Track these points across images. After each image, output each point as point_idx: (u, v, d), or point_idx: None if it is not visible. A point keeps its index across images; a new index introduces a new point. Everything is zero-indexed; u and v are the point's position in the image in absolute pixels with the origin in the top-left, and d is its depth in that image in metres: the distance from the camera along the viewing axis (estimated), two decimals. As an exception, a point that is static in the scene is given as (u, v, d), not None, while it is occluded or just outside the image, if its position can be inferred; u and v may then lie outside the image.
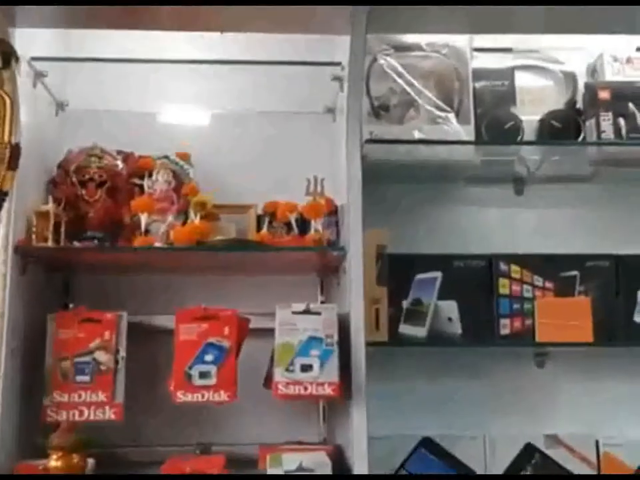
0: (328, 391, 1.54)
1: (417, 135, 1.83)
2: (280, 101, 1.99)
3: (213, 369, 1.56)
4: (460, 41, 1.90)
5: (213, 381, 1.56)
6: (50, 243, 1.67)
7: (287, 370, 1.54)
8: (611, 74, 1.93)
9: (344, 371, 1.58)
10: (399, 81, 1.88)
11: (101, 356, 1.63)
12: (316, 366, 1.55)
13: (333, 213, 1.81)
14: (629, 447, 1.73)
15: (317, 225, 1.73)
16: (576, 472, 1.70)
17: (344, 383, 1.57)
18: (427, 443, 1.72)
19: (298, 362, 1.55)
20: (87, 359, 1.62)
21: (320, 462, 1.53)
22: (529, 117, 1.89)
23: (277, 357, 1.56)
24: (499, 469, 1.70)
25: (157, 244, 1.69)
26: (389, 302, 1.78)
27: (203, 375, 1.56)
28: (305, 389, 1.53)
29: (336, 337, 1.58)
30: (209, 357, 1.57)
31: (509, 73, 1.95)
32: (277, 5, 1.64)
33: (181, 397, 1.56)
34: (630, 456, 1.73)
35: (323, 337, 1.57)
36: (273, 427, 1.78)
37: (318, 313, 1.60)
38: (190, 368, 1.56)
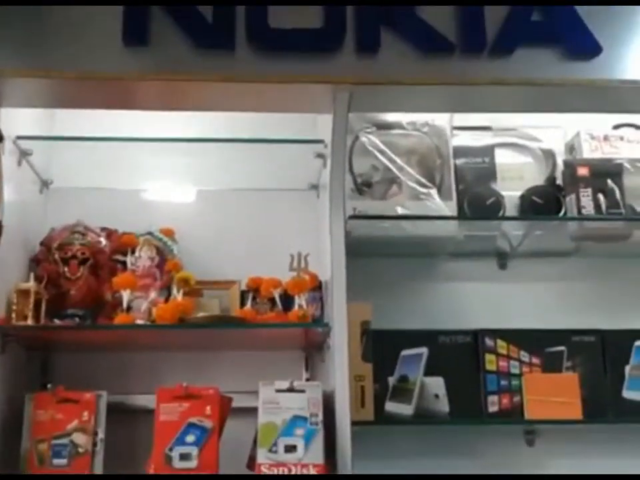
0: (313, 472, 1.49)
1: (399, 210, 1.85)
2: (265, 178, 2.01)
3: (194, 451, 1.52)
4: (440, 119, 1.95)
5: (194, 463, 1.51)
6: (30, 321, 1.64)
7: (270, 451, 1.50)
8: (589, 151, 1.97)
9: (329, 450, 1.55)
10: (381, 158, 1.91)
11: (79, 438, 1.58)
12: (300, 446, 1.51)
13: (317, 289, 1.81)
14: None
15: (300, 301, 1.72)
16: None
17: (329, 464, 1.53)
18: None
19: (281, 442, 1.51)
20: (64, 441, 1.58)
21: None
22: (510, 192, 1.93)
23: (260, 437, 1.52)
24: None
25: (139, 321, 1.67)
26: (375, 379, 1.75)
27: (184, 456, 1.51)
28: (289, 470, 1.49)
29: (321, 416, 1.54)
30: (190, 438, 1.53)
31: (489, 151, 2.00)
32: (261, 83, 1.69)
33: (160, 480, 1.51)
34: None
35: (307, 415, 1.54)
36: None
37: (302, 391, 1.57)
38: (170, 449, 1.52)
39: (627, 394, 1.79)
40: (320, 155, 1.86)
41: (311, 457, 1.50)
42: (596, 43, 1.73)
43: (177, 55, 1.66)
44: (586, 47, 1.73)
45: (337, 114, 1.72)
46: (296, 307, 1.72)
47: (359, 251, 1.86)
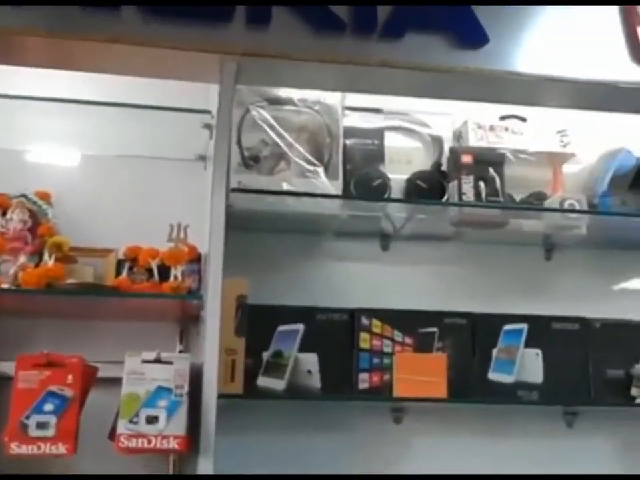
0: (173, 444, 1.48)
1: (285, 187, 1.85)
2: (152, 146, 1.96)
3: (52, 419, 1.47)
4: (332, 98, 1.94)
5: (51, 432, 1.46)
6: None
7: (131, 422, 1.48)
8: (475, 140, 2.02)
9: (195, 423, 1.54)
10: (271, 133, 1.90)
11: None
12: (162, 418, 1.48)
13: (196, 261, 1.80)
14: (477, 505, 1.75)
15: (176, 272, 1.70)
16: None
17: (193, 437, 1.52)
18: (279, 501, 1.68)
19: (143, 413, 1.48)
20: None
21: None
22: (397, 175, 1.95)
23: (121, 408, 1.49)
24: (350, 527, 1.69)
25: (4, 285, 1.61)
26: (249, 353, 1.75)
27: (41, 425, 1.46)
28: (149, 442, 1.47)
29: (186, 388, 1.53)
30: (48, 407, 1.48)
31: (378, 133, 2.02)
32: (147, 47, 1.65)
33: (15, 448, 1.45)
34: (478, 513, 1.75)
35: (172, 387, 1.52)
36: (120, 482, 1.71)
37: (169, 363, 1.55)
38: (27, 418, 1.47)
39: (492, 376, 1.85)
40: (207, 126, 1.83)
41: (173, 429, 1.48)
42: (484, 33, 1.76)
43: (63, 13, 1.60)
44: (474, 36, 1.76)
45: (223, 85, 1.69)
46: (171, 278, 1.70)
47: (242, 225, 1.85)
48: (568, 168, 2.07)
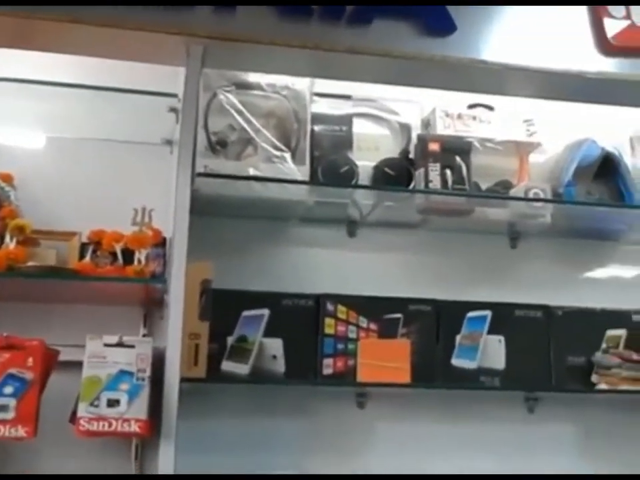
0: (134, 428, 1.47)
1: (252, 172, 1.84)
2: (118, 129, 1.94)
3: (11, 402, 1.46)
4: (300, 84, 1.94)
5: (10, 415, 1.45)
6: None
7: (92, 405, 1.47)
8: (442, 128, 2.03)
9: (157, 407, 1.54)
10: (238, 118, 1.89)
11: None
12: (124, 401, 1.48)
13: (161, 245, 1.78)
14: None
15: (140, 256, 1.69)
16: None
17: (156, 420, 1.52)
18: (241, 484, 1.69)
19: (104, 397, 1.48)
20: None
21: (121, 502, 1.47)
22: (365, 162, 1.95)
23: (82, 391, 1.48)
24: (311, 509, 1.70)
25: (-37, 267, 1.59)
26: (213, 338, 1.75)
27: (0, 408, 1.46)
28: (110, 425, 1.46)
29: (148, 372, 1.52)
30: (8, 389, 1.47)
31: (347, 119, 2.02)
32: (112, 29, 1.63)
33: (-26, 431, 1.45)
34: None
35: (134, 371, 1.52)
36: (81, 465, 1.70)
37: (132, 346, 1.54)
38: (-14, 400, 1.46)
39: (456, 361, 1.87)
40: (173, 109, 1.83)
41: (134, 412, 1.48)
42: (451, 21, 1.78)
43: (26, -9, 1.58)
44: (442, 24, 1.78)
45: (189, 68, 1.69)
46: (135, 262, 1.69)
47: (208, 210, 1.85)
48: (534, 158, 2.09)
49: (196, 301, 1.70)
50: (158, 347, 1.61)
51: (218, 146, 1.87)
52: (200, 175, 1.72)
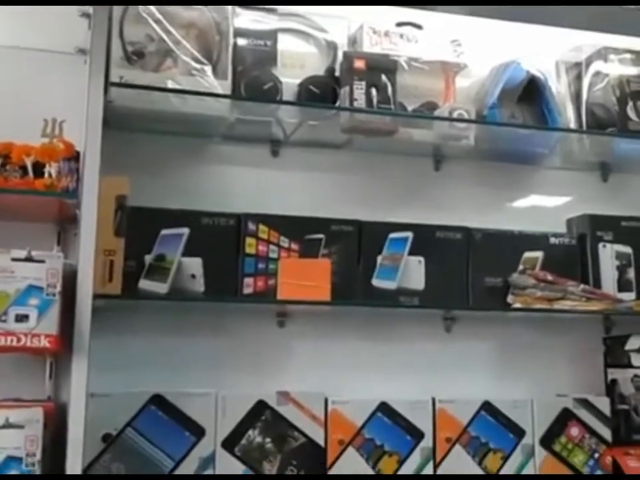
0: (44, 343, 1.43)
1: (170, 84, 1.76)
2: (27, 36, 1.82)
3: None
4: (222, -7, 1.86)
5: None
6: None
7: (0, 320, 1.43)
8: (369, 45, 1.97)
9: (69, 323, 1.50)
10: (157, 28, 1.80)
11: None
12: (33, 316, 1.43)
13: (74, 159, 1.71)
14: (354, 405, 1.79)
15: (50, 169, 1.62)
16: (304, 428, 1.74)
17: (65, 335, 1.48)
18: (157, 400, 1.67)
19: (13, 312, 1.42)
20: None
21: (30, 418, 1.44)
22: (289, 80, 1.89)
23: (-11, 307, 1.44)
24: (229, 425, 1.70)
25: None
26: (131, 256, 1.71)
27: None
28: (19, 340, 1.42)
29: (59, 287, 1.47)
30: None
31: (272, 35, 1.93)
32: None
33: None
34: (354, 412, 1.79)
35: (44, 286, 1.46)
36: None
37: (42, 261, 1.49)
38: None
39: (376, 282, 1.88)
40: (85, 15, 1.72)
41: (44, 328, 1.43)
42: None
43: None
44: None
45: (100, -31, 1.60)
46: (46, 175, 1.62)
47: (125, 125, 1.79)
48: (461, 81, 2.06)
49: (111, 216, 1.65)
50: (72, 264, 1.56)
51: (134, 56, 1.77)
52: (113, 84, 1.65)
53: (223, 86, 1.81)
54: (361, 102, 1.87)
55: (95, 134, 1.56)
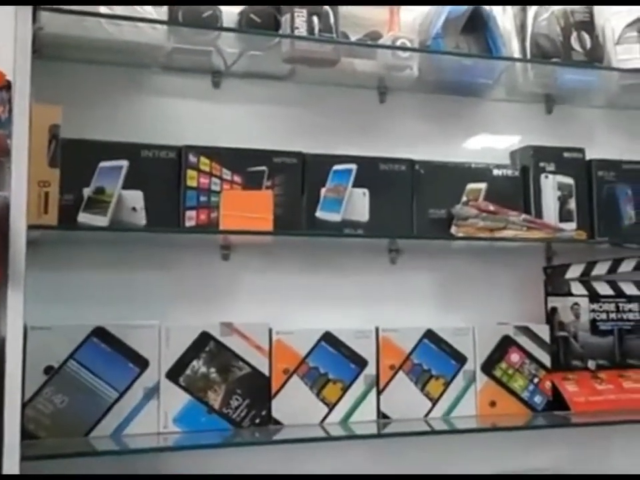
0: (-23, 271, 1.41)
1: (103, 10, 1.71)
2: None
3: None
4: None
5: None
6: None
7: None
8: (312, -28, 1.94)
9: (3, 255, 1.47)
10: (90, -48, 1.74)
11: None
12: (-34, 250, 1.41)
13: (5, 89, 1.65)
14: (298, 335, 1.80)
15: (-21, 98, 1.57)
16: (249, 358, 1.75)
17: (3, 271, 1.45)
18: (100, 333, 1.65)
19: (-58, 245, 1.41)
20: None
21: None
22: (229, 8, 1.85)
23: None
24: (173, 356, 1.71)
25: None
26: (68, 190, 1.67)
27: None
28: (-50, 272, 1.40)
29: (-8, 220, 1.45)
30: None
31: (211, -40, 1.90)
32: None
33: None
34: (298, 342, 1.80)
35: (-25, 217, 1.44)
36: None
37: (-29, 193, 1.46)
38: None
39: (320, 214, 1.88)
40: None
41: (-23, 260, 1.42)
42: None
43: None
44: None
45: None
46: (-25, 106, 1.57)
47: (57, 53, 1.75)
48: (406, 14, 2.04)
49: (44, 146, 1.60)
50: (6, 197, 1.52)
51: (66, -20, 1.72)
52: (42, 8, 1.58)
53: (159, 14, 1.76)
54: (302, 30, 1.83)
55: (25, 61, 1.50)
